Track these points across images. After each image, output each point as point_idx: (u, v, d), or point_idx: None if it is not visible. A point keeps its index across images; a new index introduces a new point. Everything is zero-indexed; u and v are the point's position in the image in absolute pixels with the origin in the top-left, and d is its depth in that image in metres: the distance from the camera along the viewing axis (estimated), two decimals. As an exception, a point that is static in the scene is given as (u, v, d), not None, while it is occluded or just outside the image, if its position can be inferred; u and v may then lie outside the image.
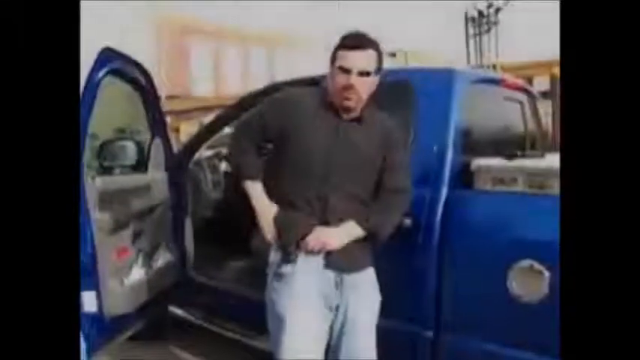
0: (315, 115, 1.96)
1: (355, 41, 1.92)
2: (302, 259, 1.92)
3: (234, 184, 2.20)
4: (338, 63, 1.92)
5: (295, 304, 1.91)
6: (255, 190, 2.02)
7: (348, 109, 1.95)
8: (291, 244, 1.92)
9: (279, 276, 1.95)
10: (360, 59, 1.91)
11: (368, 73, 1.92)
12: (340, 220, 1.93)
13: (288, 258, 1.92)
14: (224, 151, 4.17)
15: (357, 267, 1.99)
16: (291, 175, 1.96)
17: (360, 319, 1.98)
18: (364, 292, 2.01)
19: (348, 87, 1.90)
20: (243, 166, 2.05)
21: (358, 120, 1.98)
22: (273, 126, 1.99)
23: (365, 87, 1.93)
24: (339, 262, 1.94)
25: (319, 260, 1.93)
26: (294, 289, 1.91)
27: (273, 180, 2.01)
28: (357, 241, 1.97)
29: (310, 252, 1.91)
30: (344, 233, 1.94)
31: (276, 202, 1.99)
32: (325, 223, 1.93)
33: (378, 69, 1.97)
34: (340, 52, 1.93)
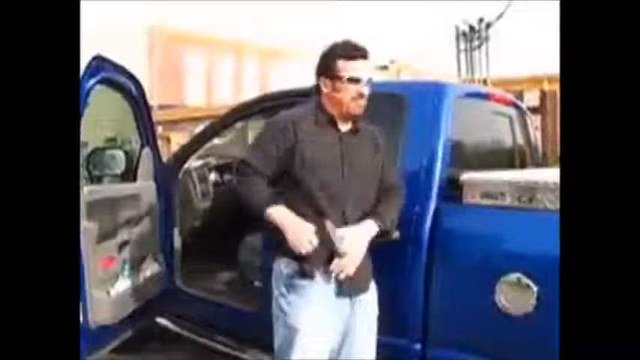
0: (316, 130, 1.96)
1: (359, 51, 1.96)
2: (321, 274, 1.91)
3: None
4: (346, 74, 1.93)
5: (311, 316, 1.90)
6: (280, 212, 1.91)
7: (357, 117, 1.99)
8: (315, 262, 1.90)
9: (293, 287, 1.92)
10: (365, 68, 1.96)
11: (370, 80, 1.98)
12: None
13: (307, 273, 1.90)
14: (213, 161, 4.17)
15: (369, 283, 2.04)
16: (304, 191, 1.92)
17: (363, 331, 2.00)
18: (370, 306, 2.04)
19: (361, 96, 1.95)
20: (261, 197, 1.94)
21: (354, 130, 2.02)
22: (282, 149, 1.92)
23: (368, 94, 1.99)
24: (357, 284, 1.96)
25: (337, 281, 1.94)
26: (312, 303, 1.90)
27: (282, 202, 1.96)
28: (366, 256, 1.97)
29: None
30: (366, 233, 1.94)
31: None
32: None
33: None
34: (344, 63, 1.94)
